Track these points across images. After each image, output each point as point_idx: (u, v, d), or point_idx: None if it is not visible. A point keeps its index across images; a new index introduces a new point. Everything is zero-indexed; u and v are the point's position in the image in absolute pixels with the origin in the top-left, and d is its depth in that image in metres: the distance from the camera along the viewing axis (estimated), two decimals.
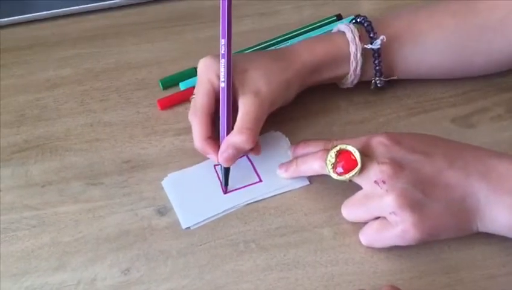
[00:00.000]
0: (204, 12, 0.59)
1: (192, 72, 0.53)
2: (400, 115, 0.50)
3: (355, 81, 0.49)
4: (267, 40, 0.54)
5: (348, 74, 0.48)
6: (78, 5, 0.59)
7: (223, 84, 0.43)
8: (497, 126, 0.48)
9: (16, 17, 0.58)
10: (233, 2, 0.42)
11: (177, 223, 0.43)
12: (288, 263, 0.41)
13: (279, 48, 0.48)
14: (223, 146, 0.43)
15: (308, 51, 0.47)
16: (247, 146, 0.43)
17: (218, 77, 0.43)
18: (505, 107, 0.50)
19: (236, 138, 0.43)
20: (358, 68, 0.47)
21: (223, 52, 0.42)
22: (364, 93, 0.51)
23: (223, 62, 0.43)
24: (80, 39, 0.57)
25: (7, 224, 0.43)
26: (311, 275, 0.40)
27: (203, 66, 0.45)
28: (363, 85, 0.51)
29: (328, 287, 0.39)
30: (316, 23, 0.56)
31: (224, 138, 0.44)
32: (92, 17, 0.59)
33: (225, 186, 0.45)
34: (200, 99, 0.44)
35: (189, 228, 0.43)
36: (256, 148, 0.45)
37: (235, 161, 0.44)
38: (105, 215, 0.44)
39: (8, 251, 0.42)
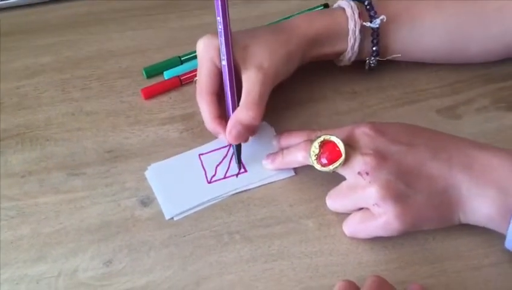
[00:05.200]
0: (189, 0, 0.58)
1: (177, 61, 0.53)
2: (386, 106, 0.49)
3: (352, 59, 0.49)
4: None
5: (346, 50, 0.47)
6: None
7: (224, 62, 0.43)
8: (482, 117, 0.48)
9: None
10: None
11: (160, 214, 0.43)
12: (273, 254, 0.40)
13: (278, 22, 0.48)
14: (229, 124, 0.43)
15: (307, 24, 0.46)
16: (254, 122, 0.42)
17: (219, 54, 0.43)
18: (490, 98, 0.50)
19: (242, 114, 0.42)
20: (356, 45, 0.47)
21: (219, 29, 0.42)
22: (350, 84, 0.51)
23: (221, 40, 0.42)
24: (61, 26, 0.56)
25: None
26: (296, 266, 0.40)
27: (203, 45, 0.44)
28: (350, 75, 0.51)
29: (313, 278, 0.39)
30: (304, 12, 0.55)
31: (231, 115, 0.43)
32: (73, 3, 0.58)
33: (238, 165, 0.44)
34: (203, 80, 0.44)
35: (172, 218, 0.42)
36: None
37: (244, 138, 0.44)
38: (86, 206, 0.43)
39: None
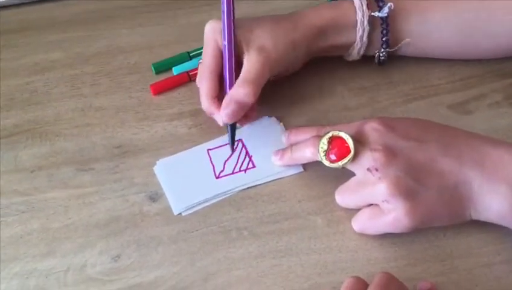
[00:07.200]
0: None
1: (185, 57, 0.53)
2: (396, 101, 0.49)
3: (361, 51, 0.48)
4: None
5: (354, 42, 0.47)
6: None
7: (225, 42, 0.43)
8: (494, 113, 0.48)
9: (5, 0, 0.57)
10: None
11: (168, 209, 0.43)
12: (281, 250, 0.40)
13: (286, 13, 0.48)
14: (225, 101, 0.43)
15: (314, 15, 0.46)
16: (248, 99, 0.42)
17: None
18: (503, 94, 0.49)
19: (237, 91, 0.43)
20: (365, 36, 0.47)
21: (222, 9, 0.42)
22: (360, 79, 0.50)
23: (223, 19, 0.42)
24: (71, 22, 0.56)
25: None
26: (304, 262, 0.40)
27: (209, 28, 0.45)
28: (359, 70, 0.50)
29: (322, 275, 0.39)
30: None
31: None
32: (83, 0, 0.58)
33: (231, 146, 0.45)
34: (207, 60, 0.44)
35: (180, 214, 0.42)
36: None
37: (238, 118, 0.44)
38: (95, 201, 0.43)
39: None
